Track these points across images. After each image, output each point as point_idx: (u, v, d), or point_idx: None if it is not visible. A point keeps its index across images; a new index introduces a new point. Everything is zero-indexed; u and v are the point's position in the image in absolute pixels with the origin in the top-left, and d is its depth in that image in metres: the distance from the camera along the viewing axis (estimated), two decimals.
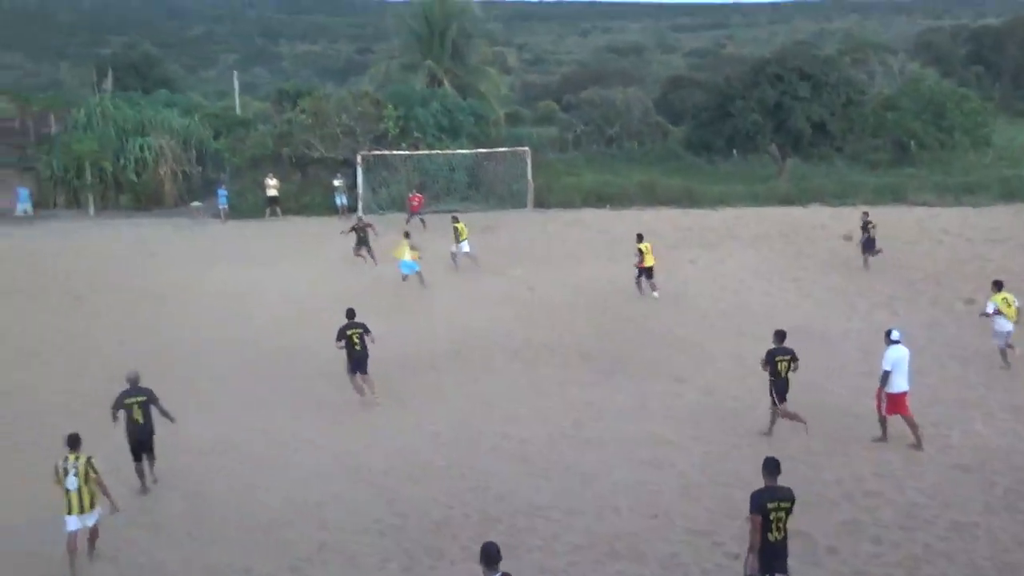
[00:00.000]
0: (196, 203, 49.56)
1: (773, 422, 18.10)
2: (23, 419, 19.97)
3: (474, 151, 48.41)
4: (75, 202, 50.00)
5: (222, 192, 47.08)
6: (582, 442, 18.20)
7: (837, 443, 17.58)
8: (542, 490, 16.17)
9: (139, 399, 16.37)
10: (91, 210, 49.19)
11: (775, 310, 27.14)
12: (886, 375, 17.17)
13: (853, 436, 17.84)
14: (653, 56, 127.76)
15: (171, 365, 22.86)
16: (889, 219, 38.38)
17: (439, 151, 47.87)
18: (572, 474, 16.76)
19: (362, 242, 34.98)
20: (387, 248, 33.81)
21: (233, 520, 15.45)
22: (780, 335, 17.95)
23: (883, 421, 17.52)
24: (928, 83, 58.38)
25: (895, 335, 17.57)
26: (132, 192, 49.66)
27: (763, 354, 17.91)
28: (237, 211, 46.86)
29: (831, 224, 40.17)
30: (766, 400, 18.11)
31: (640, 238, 29.83)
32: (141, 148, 49.67)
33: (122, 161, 49.37)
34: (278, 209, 46.93)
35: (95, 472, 13.89)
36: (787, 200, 46.52)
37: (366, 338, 20.38)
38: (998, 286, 22.10)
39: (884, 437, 17.53)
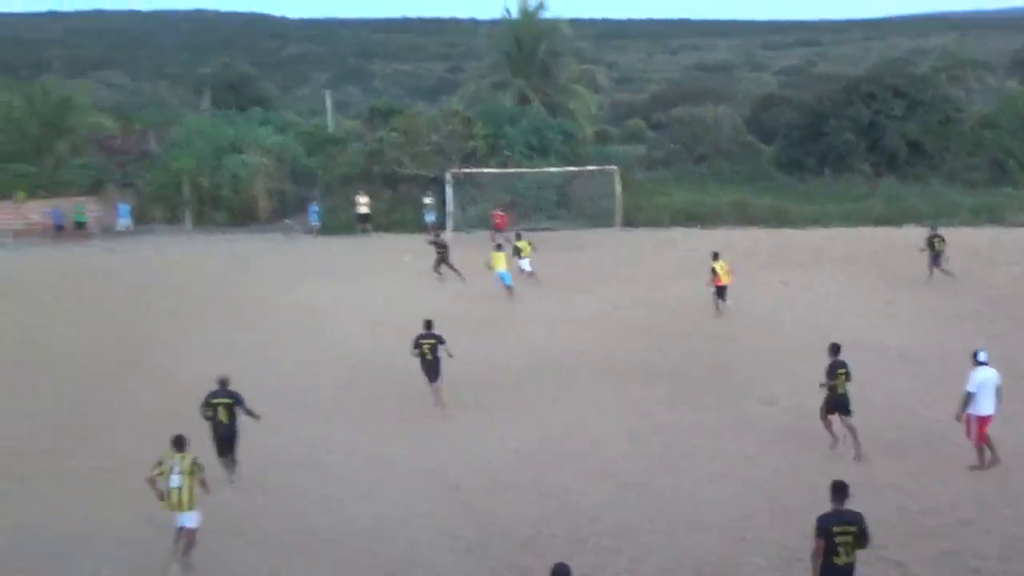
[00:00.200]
0: (289, 220, 50.34)
1: (857, 447, 17.71)
2: (119, 429, 20.39)
3: (563, 169, 48.30)
4: (173, 218, 51.21)
5: (313, 209, 47.91)
6: (670, 462, 17.98)
7: (933, 469, 17.11)
8: (629, 510, 15.99)
9: (225, 401, 17.07)
10: (188, 225, 50.33)
11: (868, 332, 26.51)
12: (969, 396, 16.71)
13: (949, 462, 17.34)
14: (743, 74, 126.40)
15: (261, 379, 23.13)
16: (986, 240, 37.37)
17: (528, 169, 47.93)
18: (660, 494, 16.56)
19: (442, 260, 35.16)
20: (469, 266, 33.94)
21: (322, 534, 15.55)
22: (835, 348, 17.97)
23: (979, 448, 17.00)
24: None
25: (982, 356, 17.09)
26: (227, 208, 50.63)
27: (825, 370, 17.77)
28: (328, 228, 47.53)
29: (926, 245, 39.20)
30: (856, 424, 17.69)
31: (715, 256, 29.81)
32: (237, 165, 50.61)
33: (218, 178, 50.35)
34: (368, 226, 47.40)
35: (201, 471, 14.47)
36: (881, 220, 45.63)
37: (439, 349, 20.95)
38: None
39: (981, 464, 16.99)
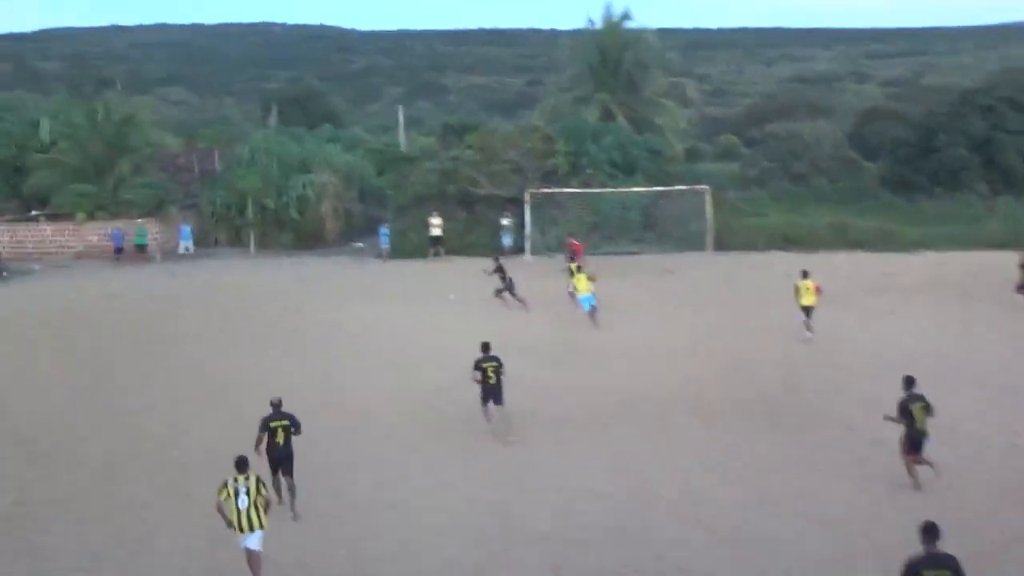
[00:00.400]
0: (359, 243, 50.64)
1: (912, 473, 17.82)
2: (176, 458, 20.59)
3: (650, 189, 48.01)
4: (237, 240, 51.98)
5: (384, 231, 48.25)
6: (768, 507, 17.58)
7: None
8: (724, 561, 15.65)
9: (283, 423, 17.82)
10: (252, 248, 51.02)
11: (988, 368, 25.81)
12: None
13: None
14: (845, 86, 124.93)
15: (329, 407, 23.33)
16: None
17: (612, 189, 47.70)
18: (758, 544, 16.18)
19: (507, 286, 35.20)
20: (547, 292, 33.79)
21: None
22: (909, 381, 18.16)
23: None
24: None
25: None
26: (293, 230, 51.24)
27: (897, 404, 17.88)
28: (399, 250, 47.79)
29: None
30: (981, 470, 17.17)
31: (804, 275, 30.08)
32: (304, 185, 51.22)
33: (284, 198, 51.01)
34: (441, 249, 47.48)
35: (264, 491, 15.16)
36: (998, 243, 44.52)
37: (501, 372, 21.60)
38: None
39: None
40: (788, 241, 46.86)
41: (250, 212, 50.98)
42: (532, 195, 47.21)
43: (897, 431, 18.27)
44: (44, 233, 51.53)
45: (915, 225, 48.07)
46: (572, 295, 33.53)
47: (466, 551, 16.24)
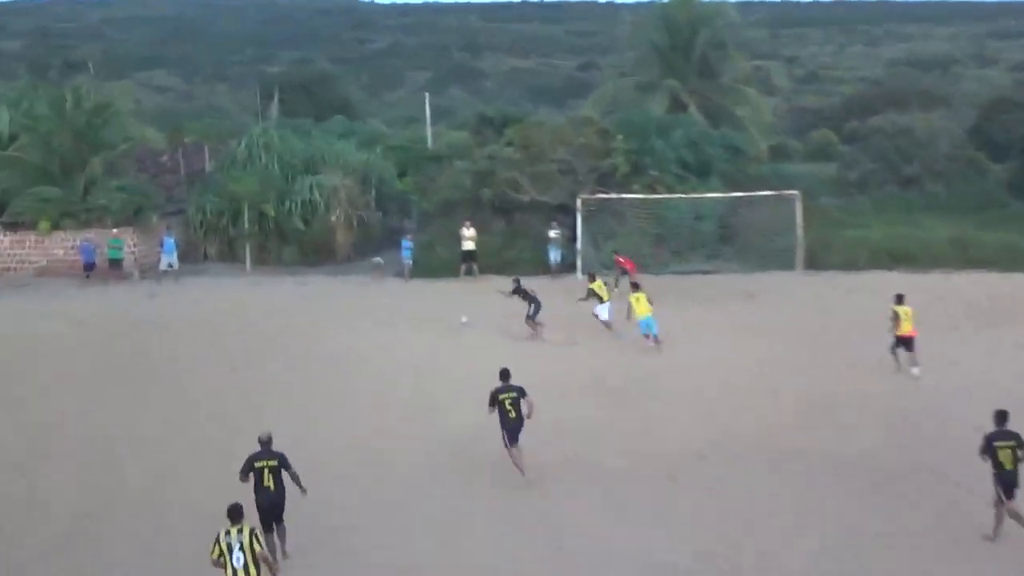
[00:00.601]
0: (379, 259, 50.34)
1: (999, 523, 18.00)
2: (174, 508, 20.82)
3: (728, 195, 47.90)
4: (230, 254, 52.07)
5: (406, 244, 48.17)
6: None
7: None
8: None
9: (270, 463, 17.91)
10: (248, 264, 51.21)
11: None
12: None
13: None
14: (967, 71, 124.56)
15: (338, 453, 23.53)
16: None
17: (682, 195, 47.64)
18: None
19: (531, 310, 35.63)
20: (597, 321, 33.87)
21: None
22: (1001, 416, 18.44)
23: None
24: None
25: None
26: (297, 243, 51.35)
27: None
28: (424, 268, 47.84)
29: None
30: None
31: (899, 299, 30.25)
32: (310, 189, 51.28)
33: (287, 204, 51.05)
34: (474, 266, 47.34)
35: (260, 545, 15.37)
36: None
37: (522, 404, 21.64)
38: None
39: None
40: (895, 259, 46.54)
41: (246, 221, 51.04)
42: (585, 202, 47.26)
43: None
44: (0, 245, 51.51)
45: None
46: (597, 316, 34.17)
47: None
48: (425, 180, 52.77)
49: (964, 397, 27.66)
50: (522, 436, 21.70)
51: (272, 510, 17.92)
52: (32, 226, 50.90)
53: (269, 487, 17.84)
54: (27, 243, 51.18)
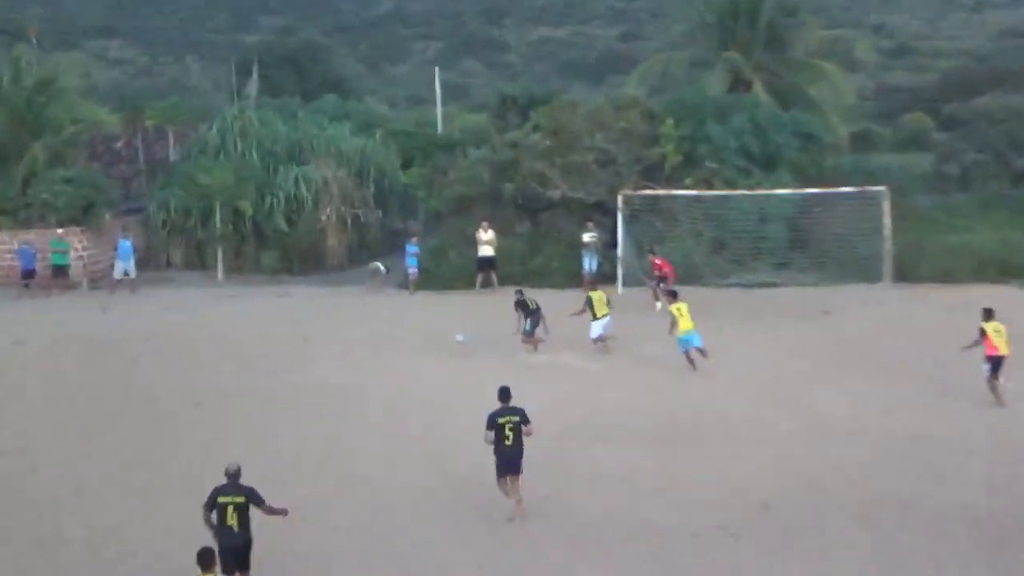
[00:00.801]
0: (378, 264, 50.02)
1: None
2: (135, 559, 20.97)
3: (800, 191, 48.05)
4: (198, 260, 52.30)
5: (412, 250, 48.18)
6: None
7: None
8: None
9: (236, 499, 18.17)
10: (220, 272, 51.33)
11: None
12: None
13: None
14: None
15: (332, 499, 23.61)
16: None
17: (745, 191, 47.78)
18: None
19: (526, 324, 36.11)
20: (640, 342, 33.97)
21: None
22: None
23: None
24: None
25: None
26: (280, 247, 51.51)
27: None
28: (433, 277, 47.94)
29: None
30: None
31: (988, 315, 30.33)
32: (296, 182, 51.46)
33: (268, 201, 51.22)
34: (493, 276, 47.23)
35: None
36: None
37: (523, 430, 22.07)
38: None
39: None
40: (1004, 271, 46.49)
41: (217, 221, 51.32)
42: (627, 199, 47.31)
43: None
44: None
45: None
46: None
47: None
48: (434, 172, 52.72)
49: None
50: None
51: (236, 553, 18.06)
52: None
53: (232, 527, 18.05)
54: None
